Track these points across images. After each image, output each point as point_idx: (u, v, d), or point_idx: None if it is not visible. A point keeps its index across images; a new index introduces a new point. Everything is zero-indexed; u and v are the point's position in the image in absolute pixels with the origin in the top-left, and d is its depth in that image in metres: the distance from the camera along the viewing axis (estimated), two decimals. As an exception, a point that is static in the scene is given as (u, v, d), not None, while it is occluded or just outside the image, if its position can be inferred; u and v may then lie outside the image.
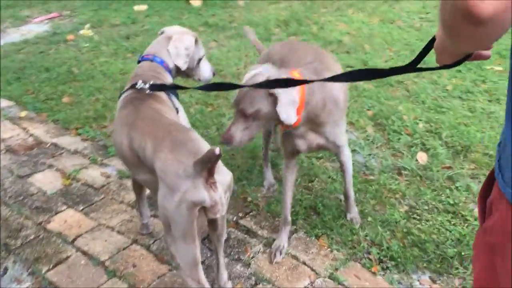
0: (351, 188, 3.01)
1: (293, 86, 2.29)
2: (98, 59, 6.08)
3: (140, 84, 2.43)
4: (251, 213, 3.18)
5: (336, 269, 2.71)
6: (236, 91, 2.32)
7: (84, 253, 2.91)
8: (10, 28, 7.87)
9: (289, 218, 2.84)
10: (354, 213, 3.05)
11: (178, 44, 2.77)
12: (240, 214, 3.17)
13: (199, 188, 1.96)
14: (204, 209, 2.03)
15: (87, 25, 7.25)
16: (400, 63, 5.67)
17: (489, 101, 4.68)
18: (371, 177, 3.52)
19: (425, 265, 2.73)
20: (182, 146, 2.07)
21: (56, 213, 3.27)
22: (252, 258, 2.80)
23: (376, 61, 5.72)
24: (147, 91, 2.42)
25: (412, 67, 1.64)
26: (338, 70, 2.74)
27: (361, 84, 5.08)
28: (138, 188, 2.90)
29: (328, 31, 6.84)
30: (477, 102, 4.63)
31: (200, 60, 2.86)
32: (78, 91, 5.10)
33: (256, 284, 2.64)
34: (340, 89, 2.62)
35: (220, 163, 2.06)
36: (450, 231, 2.95)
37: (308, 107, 2.42)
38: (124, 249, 2.93)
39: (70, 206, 3.34)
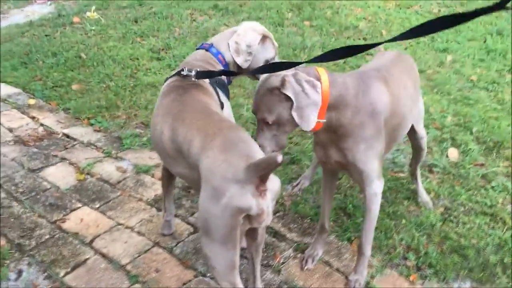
0: (368, 241, 2.42)
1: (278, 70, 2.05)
2: (106, 43, 5.86)
3: (186, 71, 2.34)
4: (277, 214, 3.02)
5: (372, 277, 2.55)
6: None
7: (104, 255, 2.75)
8: (13, 9, 7.62)
9: (327, 226, 2.65)
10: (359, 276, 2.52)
11: (240, 40, 2.59)
12: (267, 215, 3.01)
13: (247, 194, 1.79)
14: (248, 216, 1.87)
15: (93, 7, 7.00)
16: (419, 51, 5.48)
17: (517, 92, 4.49)
18: (401, 175, 3.36)
19: (466, 273, 2.58)
20: (234, 147, 1.90)
21: (71, 211, 3.11)
22: (282, 264, 2.65)
23: (395, 48, 5.50)
24: (193, 79, 2.34)
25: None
26: (407, 83, 2.44)
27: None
28: (168, 180, 2.72)
29: (343, 16, 6.61)
30: (504, 94, 4.45)
31: (268, 62, 2.61)
32: (88, 78, 4.90)
33: (288, 293, 2.49)
34: (384, 100, 2.20)
35: None
36: (490, 235, 2.80)
37: (331, 111, 2.10)
38: (145, 252, 2.77)
39: (86, 203, 3.17)
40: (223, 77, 2.57)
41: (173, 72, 2.46)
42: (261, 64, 2.54)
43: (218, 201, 1.82)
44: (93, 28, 6.38)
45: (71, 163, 3.58)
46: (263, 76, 2.10)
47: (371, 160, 2.22)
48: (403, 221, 2.90)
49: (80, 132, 4.00)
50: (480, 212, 2.98)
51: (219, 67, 2.57)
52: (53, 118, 4.21)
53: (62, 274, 2.63)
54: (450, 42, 5.65)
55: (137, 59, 5.37)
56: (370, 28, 6.20)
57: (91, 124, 4.09)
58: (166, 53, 5.52)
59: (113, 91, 4.59)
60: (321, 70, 2.10)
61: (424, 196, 3.07)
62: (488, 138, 3.71)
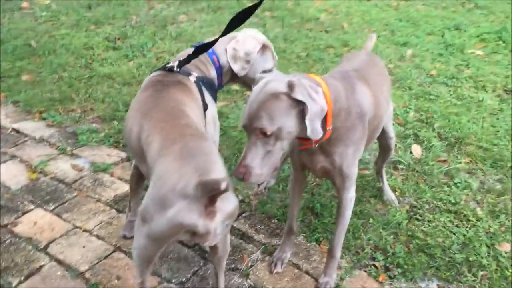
0: (339, 244, 2.40)
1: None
2: (58, 30, 5.57)
3: (170, 64, 2.30)
4: (244, 214, 2.94)
5: (342, 279, 2.52)
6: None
7: (60, 262, 2.59)
8: (-46, -8, 7.13)
9: (295, 228, 2.58)
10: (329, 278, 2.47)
11: (238, 46, 2.50)
12: (233, 215, 2.92)
13: (194, 212, 1.69)
14: (193, 232, 1.76)
15: (43, -9, 6.64)
16: (381, 45, 5.49)
17: (475, 88, 4.57)
18: (366, 172, 3.34)
19: (433, 272, 2.59)
20: (191, 158, 1.77)
21: (24, 214, 2.91)
22: (250, 267, 2.57)
23: (357, 41, 5.50)
24: (175, 69, 2.29)
25: None
26: (383, 86, 2.41)
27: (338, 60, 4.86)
28: (136, 179, 2.57)
29: (304, 7, 6.55)
30: (463, 89, 4.52)
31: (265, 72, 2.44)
32: (39, 68, 4.63)
33: (257, 298, 2.41)
34: (369, 101, 2.16)
35: None
36: (455, 233, 2.82)
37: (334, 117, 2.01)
38: (105, 257, 2.62)
39: (39, 205, 2.98)
40: (213, 79, 2.48)
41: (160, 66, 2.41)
42: (258, 75, 2.18)
43: (163, 211, 1.72)
44: (44, 14, 6.07)
45: (22, 161, 3.36)
46: (260, 81, 1.91)
47: (355, 164, 2.18)
48: (371, 220, 2.88)
49: (32, 127, 3.76)
50: (444, 209, 3.00)
51: (211, 67, 2.48)
52: (1, 112, 3.94)
53: (15, 283, 2.46)
54: (409, 36, 5.70)
55: (92, 48, 5.13)
56: (331, 20, 6.18)
57: (44, 119, 3.86)
58: (123, 42, 5.30)
59: (66, 82, 4.35)
60: (314, 75, 1.98)
61: (389, 194, 3.06)
62: (449, 134, 3.75)
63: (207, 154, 1.81)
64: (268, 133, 1.81)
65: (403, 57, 5.19)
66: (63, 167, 3.32)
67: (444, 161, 3.48)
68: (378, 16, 6.32)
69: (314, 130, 1.83)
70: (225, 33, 2.25)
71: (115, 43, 5.27)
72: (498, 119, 4.00)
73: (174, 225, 1.73)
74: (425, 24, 6.06)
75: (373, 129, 2.27)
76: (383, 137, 2.76)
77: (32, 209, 2.94)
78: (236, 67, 2.51)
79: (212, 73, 2.49)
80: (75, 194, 3.08)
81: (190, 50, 2.42)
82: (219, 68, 2.51)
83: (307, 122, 1.81)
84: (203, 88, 2.36)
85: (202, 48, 2.38)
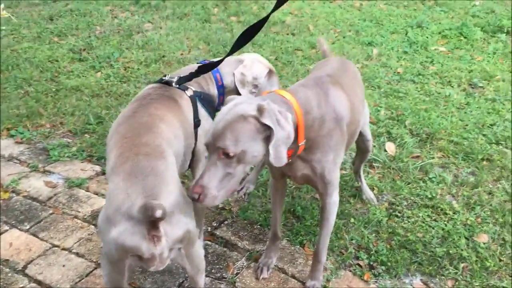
0: (324, 248, 2.38)
1: None
2: (20, 44, 5.43)
3: (167, 77, 2.32)
4: (226, 222, 2.92)
5: (328, 280, 2.53)
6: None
7: (40, 282, 2.51)
8: None
9: (279, 234, 2.56)
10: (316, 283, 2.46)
11: (246, 71, 2.52)
12: (215, 224, 2.90)
13: (136, 235, 1.67)
14: (139, 256, 1.74)
15: (1, 5, 6.45)
16: (347, 45, 5.57)
17: (441, 83, 4.69)
18: (344, 172, 3.37)
19: (415, 267, 2.63)
20: (140, 178, 1.75)
21: (-2, 235, 2.82)
22: (236, 275, 2.55)
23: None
24: (173, 84, 2.31)
25: None
26: (357, 90, 2.39)
27: (312, 68, 4.90)
28: None
29: (269, 11, 6.58)
30: (430, 85, 4.63)
31: None
32: (3, 84, 4.50)
33: (246, 305, 2.40)
34: (345, 105, 2.13)
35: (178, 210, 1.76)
36: (434, 228, 2.88)
37: (305, 129, 1.97)
38: (87, 275, 2.56)
39: (14, 225, 2.89)
40: (214, 95, 2.48)
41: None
42: (229, 97, 2.10)
43: (109, 230, 1.71)
44: (4, 28, 5.90)
45: (-8, 181, 3.26)
46: (230, 102, 1.87)
47: (337, 169, 2.16)
48: (352, 219, 2.91)
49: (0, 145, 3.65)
50: (422, 205, 3.06)
51: (212, 85, 2.47)
52: (-34, 131, 3.81)
53: (-7, 308, 2.38)
54: (374, 36, 5.80)
55: (57, 61, 5.02)
56: (297, 22, 6.23)
57: (12, 136, 3.75)
58: (89, 53, 5.21)
59: (33, 97, 4.24)
60: (282, 91, 1.95)
61: (368, 193, 3.10)
62: (420, 130, 3.83)
63: (158, 174, 1.78)
64: (231, 154, 1.74)
65: (369, 56, 5.27)
66: (36, 184, 3.23)
67: (418, 156, 3.55)
68: (342, 17, 6.41)
69: (278, 158, 1.78)
70: (232, 51, 2.22)
71: (81, 54, 5.18)
72: (465, 113, 4.11)
73: (118, 246, 1.71)
74: (389, 23, 6.18)
75: (351, 133, 2.26)
76: (360, 140, 2.79)
77: (6, 230, 2.85)
78: (244, 92, 2.51)
79: (212, 90, 2.47)
80: (51, 211, 2.99)
81: (193, 67, 2.42)
82: (222, 87, 2.49)
83: (270, 148, 1.76)
84: (198, 104, 2.34)
85: (206, 68, 2.38)
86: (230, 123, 1.76)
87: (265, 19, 2.17)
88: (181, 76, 2.36)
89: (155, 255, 1.71)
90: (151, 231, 1.67)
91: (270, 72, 2.63)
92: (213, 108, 2.44)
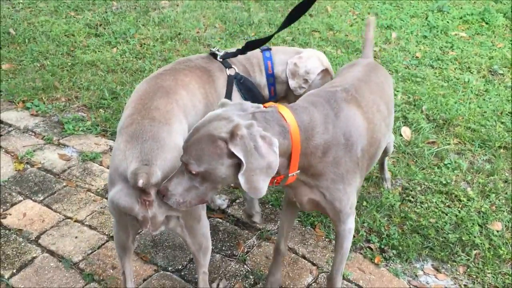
0: (338, 274, 2.15)
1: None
2: (37, 18, 5.42)
3: (215, 49, 2.36)
4: (237, 201, 2.92)
5: (338, 262, 2.52)
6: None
7: (52, 253, 2.54)
8: None
9: (283, 249, 2.29)
10: None
11: (300, 63, 2.41)
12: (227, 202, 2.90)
13: (130, 197, 1.73)
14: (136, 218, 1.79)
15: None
16: (364, 27, 5.47)
17: (460, 69, 4.60)
18: (357, 155, 3.34)
19: (427, 252, 2.61)
20: (140, 142, 1.79)
21: (12, 205, 2.84)
22: (246, 253, 2.56)
23: (342, 24, 5.48)
24: (218, 58, 2.32)
25: None
26: (380, 103, 2.09)
27: (330, 50, 4.85)
28: None
29: (287, -9, 6.49)
30: (449, 71, 4.55)
31: None
32: (20, 56, 4.51)
33: (255, 283, 2.40)
34: (360, 128, 1.87)
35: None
36: (447, 214, 2.85)
37: (302, 157, 1.74)
38: (99, 247, 2.58)
39: (28, 196, 2.92)
40: (260, 84, 2.41)
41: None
42: (221, 100, 1.94)
43: (110, 189, 1.82)
44: (21, 1, 5.89)
45: (7, 152, 3.28)
46: (210, 114, 1.67)
47: (349, 197, 1.90)
48: (364, 203, 2.89)
49: (16, 116, 3.67)
50: (436, 190, 3.03)
51: (260, 72, 2.41)
52: (-17, 102, 3.84)
53: (7, 275, 2.41)
54: (393, 19, 5.70)
55: (73, 35, 5.01)
56: (315, 3, 6.12)
57: (27, 108, 3.77)
58: (105, 29, 5.19)
59: (49, 71, 4.25)
60: (284, 109, 1.71)
61: (389, 185, 3.04)
62: (437, 115, 3.77)
63: (159, 140, 1.80)
64: (193, 172, 1.61)
65: (388, 40, 5.19)
66: (50, 157, 3.25)
67: (434, 142, 3.50)
68: (362, -1, 6.30)
69: (252, 188, 1.56)
70: (283, 26, 2.19)
71: (97, 29, 5.16)
72: (484, 100, 4.04)
73: (114, 205, 1.79)
74: (409, 7, 6.06)
75: (370, 156, 1.99)
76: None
77: (20, 201, 2.88)
78: (293, 84, 2.41)
79: (259, 78, 2.40)
80: (64, 184, 3.02)
81: (254, 59, 2.42)
82: (271, 76, 2.41)
83: (239, 178, 1.55)
84: (234, 87, 2.31)
85: (254, 44, 2.35)
86: (198, 140, 1.60)
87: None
88: (228, 51, 2.37)
89: (147, 218, 1.75)
90: (142, 195, 1.71)
91: (325, 71, 2.48)
92: (251, 95, 2.36)
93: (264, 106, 1.73)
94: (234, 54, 2.37)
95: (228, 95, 2.28)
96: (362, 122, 1.90)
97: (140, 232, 2.64)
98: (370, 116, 1.97)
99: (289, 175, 1.74)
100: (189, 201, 1.69)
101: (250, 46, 2.38)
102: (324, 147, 1.77)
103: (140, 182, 1.61)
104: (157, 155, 1.75)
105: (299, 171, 1.76)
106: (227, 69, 2.32)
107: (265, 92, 2.45)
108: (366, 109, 1.96)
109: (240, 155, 1.54)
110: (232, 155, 1.56)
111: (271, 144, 1.58)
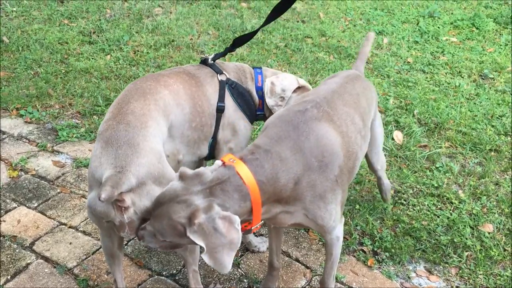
0: (330, 279, 2.17)
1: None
2: (30, 26, 5.43)
3: (207, 55, 2.44)
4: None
5: (332, 265, 2.54)
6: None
7: (47, 259, 2.55)
8: None
9: (276, 264, 2.31)
10: None
11: (276, 82, 2.46)
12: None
13: (106, 203, 1.74)
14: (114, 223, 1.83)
15: (13, -14, 6.46)
16: (356, 33, 5.54)
17: (451, 74, 4.66)
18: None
19: (419, 254, 2.64)
20: (115, 148, 1.81)
21: (6, 212, 2.85)
22: (240, 257, 2.57)
23: (334, 30, 5.54)
24: (209, 61, 2.39)
25: None
26: (355, 115, 2.05)
27: (323, 56, 4.89)
28: None
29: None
30: (440, 76, 4.60)
31: None
32: (13, 64, 4.51)
33: (250, 287, 2.42)
34: (333, 145, 1.84)
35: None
36: (439, 216, 2.88)
37: (268, 200, 1.73)
38: (93, 253, 2.59)
39: (22, 202, 2.92)
40: (251, 92, 2.46)
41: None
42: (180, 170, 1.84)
43: (88, 194, 1.86)
44: (14, 9, 5.90)
45: (1, 159, 3.29)
46: (170, 188, 1.67)
47: (331, 213, 1.87)
48: (357, 206, 2.92)
49: (9, 124, 3.68)
50: (428, 193, 3.06)
51: (251, 83, 2.46)
52: (-24, 110, 3.84)
53: (2, 282, 2.42)
54: (385, 25, 5.76)
55: (67, 43, 5.03)
56: (307, 10, 6.19)
57: (21, 115, 3.78)
58: (98, 36, 5.21)
59: (43, 78, 4.26)
60: (241, 167, 1.68)
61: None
62: (429, 119, 3.81)
63: (133, 146, 1.81)
64: (160, 239, 1.70)
65: (380, 45, 5.24)
66: (44, 164, 3.26)
67: (425, 146, 3.54)
68: (353, 5, 6.36)
69: (217, 265, 1.58)
70: (266, 23, 2.37)
71: (91, 37, 5.18)
72: (475, 104, 4.08)
73: (91, 210, 1.82)
74: (400, 12, 6.13)
75: (349, 170, 1.95)
76: (370, 167, 2.70)
77: (15, 207, 2.89)
78: (270, 102, 2.46)
79: (250, 86, 2.46)
80: (58, 190, 3.03)
81: (247, 68, 2.50)
82: (260, 90, 2.47)
83: (203, 256, 1.58)
84: (227, 92, 2.34)
85: (240, 40, 2.48)
86: (160, 218, 1.64)
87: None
88: (217, 53, 2.46)
89: (124, 223, 1.78)
90: (116, 202, 1.73)
91: (302, 88, 2.51)
92: (243, 100, 2.41)
93: (222, 160, 1.71)
94: (223, 54, 2.47)
95: (221, 100, 2.31)
96: (335, 139, 1.86)
97: (134, 238, 2.65)
98: (344, 130, 1.94)
99: (252, 228, 1.74)
100: (164, 247, 1.77)
101: (238, 42, 2.48)
102: (295, 178, 1.75)
103: (102, 197, 1.63)
104: (131, 160, 1.77)
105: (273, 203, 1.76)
106: (218, 74, 2.35)
107: (256, 100, 2.49)
108: (339, 122, 1.94)
109: (198, 241, 1.57)
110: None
111: (232, 223, 1.59)
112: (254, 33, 2.46)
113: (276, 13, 2.45)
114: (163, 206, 1.64)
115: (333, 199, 1.85)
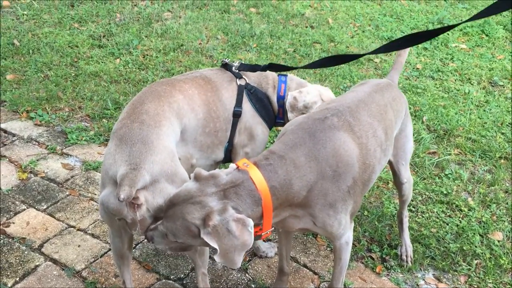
0: (339, 284, 2.14)
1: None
2: (41, 29, 5.47)
3: (229, 61, 2.41)
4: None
5: (340, 271, 2.53)
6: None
7: (55, 261, 2.56)
8: None
9: (286, 270, 2.32)
10: None
11: (299, 97, 2.40)
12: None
13: (116, 199, 1.75)
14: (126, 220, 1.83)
15: (24, -10, 6.52)
16: (365, 39, 5.54)
17: (461, 81, 4.64)
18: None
19: (428, 262, 2.63)
20: (129, 146, 1.82)
21: (16, 214, 2.86)
22: (248, 262, 2.57)
23: (343, 36, 5.54)
24: (233, 69, 2.37)
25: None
26: (378, 128, 2.00)
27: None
28: None
29: (289, 3, 6.56)
30: (449, 82, 4.59)
31: None
32: (24, 67, 4.55)
33: (257, 292, 2.42)
34: (349, 156, 1.82)
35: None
36: (448, 224, 2.86)
37: (279, 207, 1.74)
38: (102, 256, 2.60)
39: (31, 205, 2.94)
40: (271, 100, 2.43)
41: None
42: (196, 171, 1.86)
43: (100, 191, 1.86)
44: (25, 12, 5.95)
45: (11, 161, 3.31)
46: (185, 189, 1.67)
47: (340, 222, 1.86)
48: (365, 212, 2.91)
49: (19, 126, 3.70)
50: (437, 200, 3.04)
51: (273, 90, 2.43)
52: (-13, 112, 3.87)
53: (10, 283, 2.42)
54: (394, 31, 5.75)
55: (77, 46, 5.06)
56: (316, 16, 6.19)
57: (31, 118, 3.80)
58: (108, 40, 5.24)
59: (53, 81, 4.28)
60: (255, 173, 1.67)
61: (407, 249, 2.65)
62: (438, 126, 3.80)
63: (147, 143, 1.83)
64: (171, 240, 1.71)
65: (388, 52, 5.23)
66: (53, 166, 3.27)
67: (434, 152, 3.53)
68: (362, 11, 6.36)
69: (228, 263, 1.63)
70: (313, 65, 2.22)
71: (100, 41, 5.21)
72: (484, 111, 4.07)
73: (104, 207, 1.82)
74: (409, 19, 6.12)
75: (363, 182, 1.92)
76: (395, 180, 2.50)
77: (24, 209, 2.90)
78: (291, 117, 2.40)
79: (270, 94, 2.43)
80: (67, 193, 3.04)
81: (270, 74, 2.47)
82: (282, 99, 2.43)
83: (215, 257, 1.61)
84: (245, 96, 2.33)
85: (276, 67, 2.37)
86: (173, 218, 1.65)
87: (361, 55, 2.05)
88: (244, 63, 2.40)
89: (136, 221, 1.78)
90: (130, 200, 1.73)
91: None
92: (261, 105, 2.38)
93: (236, 165, 1.71)
94: (253, 68, 2.38)
95: (239, 104, 2.31)
96: (352, 149, 1.84)
97: (142, 241, 2.66)
98: (363, 141, 1.91)
99: (262, 234, 1.73)
100: (174, 248, 1.79)
101: (273, 67, 2.38)
102: (308, 186, 1.75)
103: (121, 197, 1.65)
104: (145, 158, 1.78)
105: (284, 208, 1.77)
106: (237, 79, 2.35)
107: (275, 107, 2.46)
108: (359, 133, 1.91)
109: (211, 242, 1.59)
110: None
111: (245, 225, 1.60)
112: (293, 68, 2.28)
113: (331, 61, 2.33)
114: (177, 206, 1.64)
115: (343, 209, 1.84)
